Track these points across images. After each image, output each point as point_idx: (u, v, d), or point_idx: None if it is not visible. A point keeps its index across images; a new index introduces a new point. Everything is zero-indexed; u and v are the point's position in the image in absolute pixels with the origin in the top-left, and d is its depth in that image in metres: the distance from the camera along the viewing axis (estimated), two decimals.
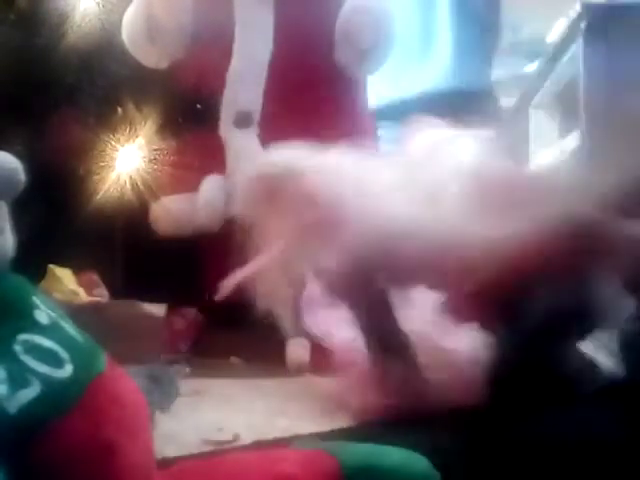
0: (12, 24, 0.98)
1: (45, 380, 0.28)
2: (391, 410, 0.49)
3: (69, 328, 0.33)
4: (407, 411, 0.46)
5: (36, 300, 0.32)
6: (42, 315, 0.32)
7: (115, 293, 1.06)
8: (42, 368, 0.28)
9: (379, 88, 1.51)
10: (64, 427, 0.27)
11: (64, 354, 0.30)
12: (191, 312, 1.18)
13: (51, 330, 0.31)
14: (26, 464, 0.26)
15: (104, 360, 0.33)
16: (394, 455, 0.38)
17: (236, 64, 1.17)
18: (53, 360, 0.29)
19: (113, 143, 1.00)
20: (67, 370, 0.29)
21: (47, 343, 0.30)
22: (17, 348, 0.29)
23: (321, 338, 0.50)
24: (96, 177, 0.99)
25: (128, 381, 0.34)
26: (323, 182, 0.45)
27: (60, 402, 0.28)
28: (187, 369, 0.91)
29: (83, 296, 0.98)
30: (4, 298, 0.31)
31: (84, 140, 1.02)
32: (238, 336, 1.16)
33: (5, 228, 0.33)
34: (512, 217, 0.42)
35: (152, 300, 0.97)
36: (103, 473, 0.27)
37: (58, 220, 1.08)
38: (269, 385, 0.94)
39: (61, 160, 1.02)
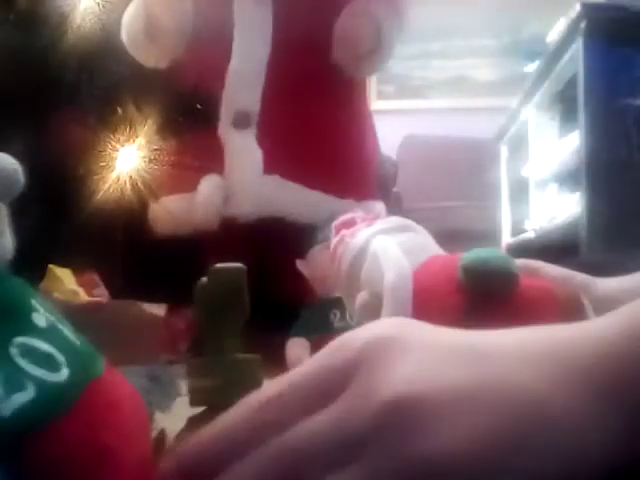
0: (12, 24, 0.98)
1: (40, 383, 0.28)
2: None
3: (67, 331, 0.33)
4: None
5: (35, 303, 0.32)
6: (40, 318, 0.31)
7: (115, 293, 1.06)
8: (37, 371, 0.28)
9: None
10: (59, 431, 0.27)
11: (61, 357, 0.30)
12: (191, 312, 1.18)
13: (49, 333, 0.31)
14: (21, 468, 0.26)
15: (102, 364, 0.33)
16: None
17: (235, 64, 1.17)
18: (49, 363, 0.29)
19: (113, 143, 1.00)
20: (63, 374, 0.29)
21: (44, 346, 0.30)
22: (13, 351, 0.28)
23: None
24: (96, 177, 0.99)
25: (127, 386, 0.34)
26: None
27: (55, 406, 0.28)
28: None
29: (83, 296, 0.98)
30: (2, 300, 0.31)
31: (84, 140, 1.02)
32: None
33: (4, 230, 0.33)
34: None
35: (152, 300, 0.97)
36: (99, 478, 0.27)
37: (58, 220, 1.08)
38: None
39: (61, 160, 1.02)
